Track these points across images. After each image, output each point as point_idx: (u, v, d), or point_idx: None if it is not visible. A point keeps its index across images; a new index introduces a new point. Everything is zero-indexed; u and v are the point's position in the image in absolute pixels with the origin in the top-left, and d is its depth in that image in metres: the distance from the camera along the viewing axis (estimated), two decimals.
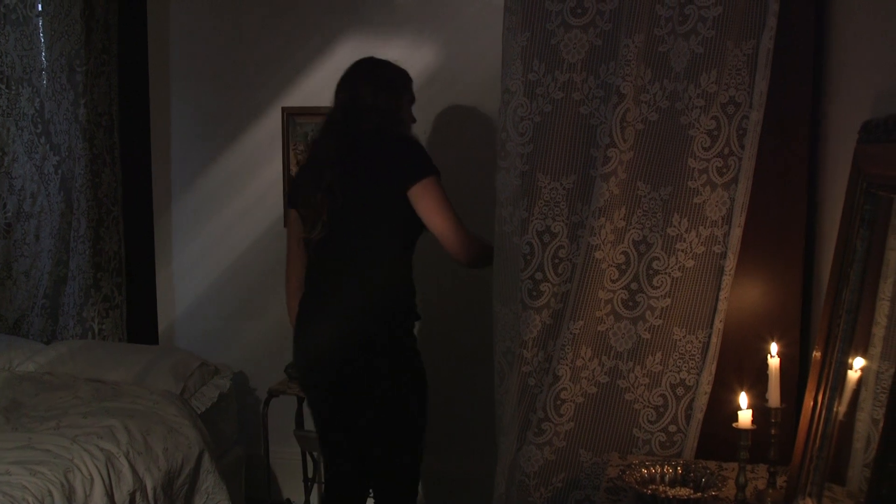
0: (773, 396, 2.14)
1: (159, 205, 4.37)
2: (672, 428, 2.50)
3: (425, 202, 2.86)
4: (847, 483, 1.86)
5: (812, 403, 1.96)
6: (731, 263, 2.42)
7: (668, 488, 2.20)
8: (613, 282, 2.48)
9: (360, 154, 2.90)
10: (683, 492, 2.18)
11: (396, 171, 2.88)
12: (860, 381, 1.84)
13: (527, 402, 2.57)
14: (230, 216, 4.28)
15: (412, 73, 3.68)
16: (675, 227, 2.43)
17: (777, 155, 2.44)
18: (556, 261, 2.50)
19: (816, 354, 1.98)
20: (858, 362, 1.84)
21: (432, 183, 2.86)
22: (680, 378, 2.48)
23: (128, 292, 4.19)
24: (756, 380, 2.31)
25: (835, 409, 1.90)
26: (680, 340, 2.47)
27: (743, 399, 2.09)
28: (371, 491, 3.15)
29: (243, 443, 4.11)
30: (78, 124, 3.96)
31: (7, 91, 4.11)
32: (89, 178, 3.97)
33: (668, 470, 2.25)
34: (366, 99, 2.95)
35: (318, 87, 4.05)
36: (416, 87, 3.84)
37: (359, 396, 2.93)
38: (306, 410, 4.11)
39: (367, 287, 2.90)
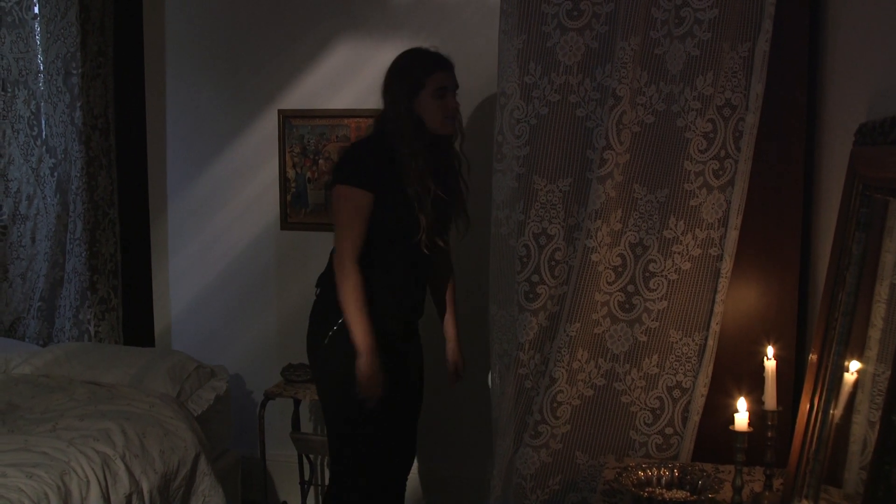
0: (770, 399, 2.14)
1: (155, 207, 4.36)
2: (669, 430, 2.50)
3: (331, 208, 2.95)
4: (843, 485, 1.86)
5: (808, 406, 1.96)
6: (727, 266, 2.42)
7: (664, 491, 2.20)
8: (610, 284, 2.48)
9: None
10: (680, 494, 2.18)
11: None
12: (856, 383, 1.84)
13: (523, 404, 2.57)
14: (226, 218, 4.27)
15: None
16: (671, 229, 2.43)
17: (773, 157, 2.45)
18: (553, 263, 2.50)
19: (813, 357, 1.98)
20: (854, 365, 1.84)
21: (337, 192, 2.88)
22: (676, 381, 2.49)
23: (124, 295, 4.18)
24: (752, 382, 2.31)
25: (831, 412, 1.90)
26: (676, 343, 2.48)
27: (740, 402, 2.09)
28: None
29: (239, 445, 4.10)
30: (74, 127, 3.96)
31: (3, 94, 4.11)
32: (85, 180, 3.97)
33: (664, 472, 2.25)
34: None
35: (314, 89, 4.05)
36: None
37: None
38: (302, 413, 4.11)
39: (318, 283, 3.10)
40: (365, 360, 2.82)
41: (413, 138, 2.86)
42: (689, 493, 2.19)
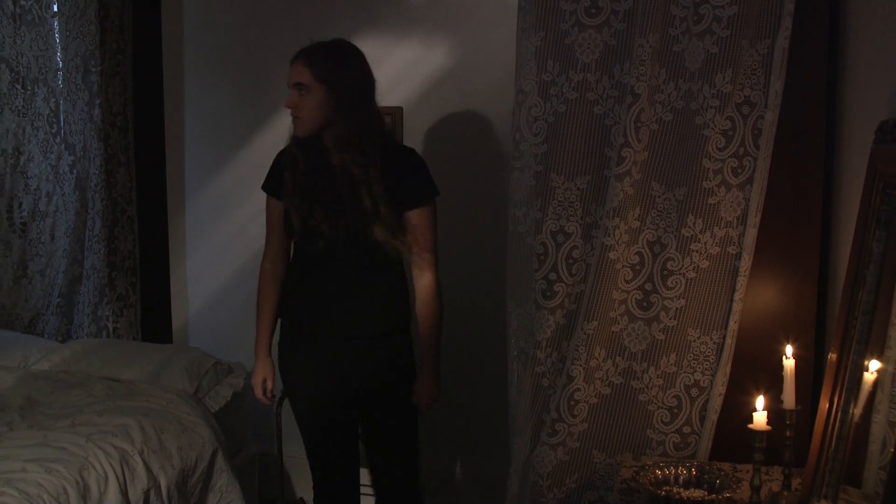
0: (789, 398, 2.13)
1: (173, 204, 4.38)
2: (686, 429, 2.49)
3: None
4: (862, 485, 1.85)
5: (827, 405, 1.95)
6: (745, 264, 2.41)
7: (682, 490, 2.20)
8: (627, 282, 2.48)
9: None
10: (697, 493, 2.18)
11: None
12: (876, 382, 1.83)
13: (540, 402, 2.57)
14: (244, 215, 4.28)
15: (424, 72, 3.62)
16: (689, 227, 2.42)
17: (792, 155, 2.43)
18: (570, 261, 2.50)
19: (832, 356, 1.97)
20: (874, 364, 1.83)
21: None
22: (694, 379, 2.48)
23: (142, 291, 4.20)
24: (771, 381, 2.30)
25: (850, 411, 1.89)
26: (694, 341, 2.47)
27: (759, 401, 2.08)
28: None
29: (257, 442, 4.11)
30: (93, 124, 3.98)
31: (23, 91, 4.13)
32: (104, 177, 3.99)
33: (682, 471, 2.25)
34: None
35: None
36: (428, 87, 3.82)
37: None
38: None
39: None
40: (254, 365, 3.01)
41: (289, 140, 2.92)
42: (706, 493, 2.18)
